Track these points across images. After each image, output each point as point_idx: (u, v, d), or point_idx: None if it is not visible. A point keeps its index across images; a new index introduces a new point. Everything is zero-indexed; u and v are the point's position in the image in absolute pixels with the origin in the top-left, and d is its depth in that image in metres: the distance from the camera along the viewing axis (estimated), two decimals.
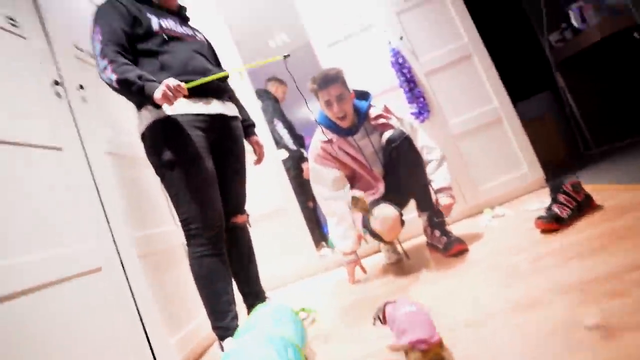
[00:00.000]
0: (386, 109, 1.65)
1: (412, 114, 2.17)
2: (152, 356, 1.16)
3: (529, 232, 1.36)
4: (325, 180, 1.63)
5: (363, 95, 1.69)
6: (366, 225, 1.55)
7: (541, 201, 1.73)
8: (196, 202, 1.13)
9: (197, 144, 1.17)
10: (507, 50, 2.87)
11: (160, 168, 1.18)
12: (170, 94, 1.03)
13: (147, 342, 1.16)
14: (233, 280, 1.38)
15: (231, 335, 1.07)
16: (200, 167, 1.16)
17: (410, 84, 2.17)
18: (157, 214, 1.52)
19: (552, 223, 1.27)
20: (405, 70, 2.17)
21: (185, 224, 1.15)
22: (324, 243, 2.86)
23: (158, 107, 1.13)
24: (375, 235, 1.54)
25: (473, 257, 1.35)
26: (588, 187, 1.41)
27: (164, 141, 1.15)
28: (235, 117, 1.39)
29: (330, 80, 1.53)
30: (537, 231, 1.32)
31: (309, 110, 1.48)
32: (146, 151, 1.22)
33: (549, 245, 1.16)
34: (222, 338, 1.09)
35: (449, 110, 2.18)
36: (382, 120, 1.60)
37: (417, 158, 1.54)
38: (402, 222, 1.49)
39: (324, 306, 1.46)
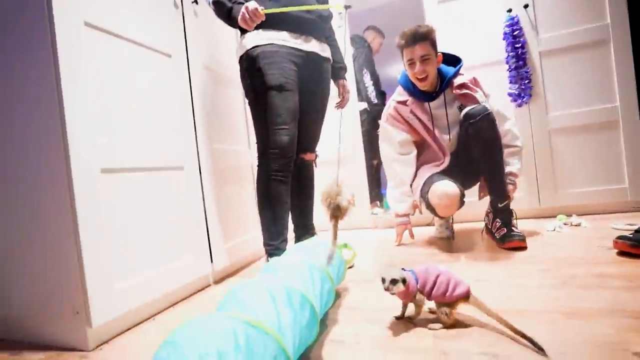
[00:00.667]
0: (474, 81, 1.53)
1: (509, 94, 1.97)
2: (209, 253, 1.34)
3: (603, 250, 1.25)
4: (392, 140, 1.62)
5: (453, 61, 1.57)
6: (424, 195, 1.54)
7: (631, 224, 1.54)
8: (275, 129, 1.21)
9: (289, 76, 1.23)
10: None
11: (250, 92, 1.27)
12: (247, 16, 1.12)
13: (207, 240, 1.34)
14: (290, 211, 1.51)
15: (279, 254, 1.20)
16: (286, 98, 1.22)
17: (519, 62, 1.94)
18: (234, 133, 1.65)
19: (636, 248, 1.14)
20: (518, 45, 1.93)
21: (261, 146, 1.25)
22: (378, 202, 2.89)
23: (246, 31, 1.22)
24: (430, 208, 1.53)
25: (529, 254, 1.29)
26: None
27: (259, 67, 1.22)
28: (327, 59, 1.41)
29: (418, 38, 1.44)
30: (613, 252, 1.21)
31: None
32: (241, 74, 1.31)
33: (622, 267, 1.06)
34: (271, 255, 1.23)
35: (555, 100, 1.93)
36: (465, 91, 1.50)
37: (495, 139, 1.42)
38: (462, 202, 1.44)
39: (365, 257, 1.53)
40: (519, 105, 1.96)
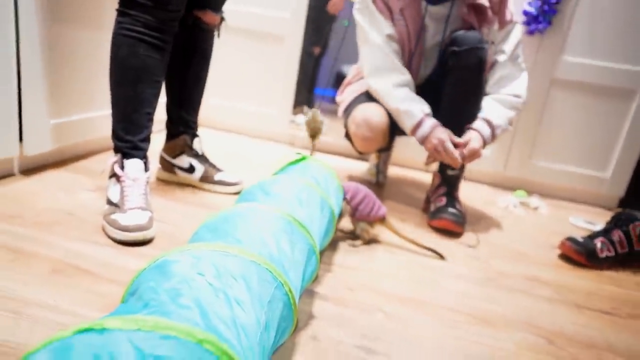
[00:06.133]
0: (502, 0, 1.50)
1: (525, 12, 2.02)
2: (18, 129, 1.24)
3: (548, 248, 1.48)
4: (380, 28, 1.54)
5: None
6: (347, 114, 1.65)
7: (592, 222, 1.83)
8: None
9: None
10: None
11: None
12: None
13: (17, 108, 1.22)
14: (166, 94, 1.43)
15: (138, 157, 1.16)
16: None
17: None
18: None
19: (580, 255, 1.37)
20: None
21: None
22: (305, 108, 2.91)
23: None
24: (348, 137, 1.67)
25: (459, 236, 1.46)
26: None
27: None
28: None
29: None
30: (557, 253, 1.45)
31: None
32: None
33: (557, 274, 1.28)
34: (125, 155, 1.15)
35: (576, 40, 2.04)
36: (472, 19, 1.48)
37: (476, 83, 1.49)
38: (390, 140, 1.65)
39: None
40: (531, 32, 2.04)
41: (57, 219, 1.08)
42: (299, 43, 2.25)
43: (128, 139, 1.16)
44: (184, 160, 1.45)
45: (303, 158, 1.13)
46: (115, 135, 1.17)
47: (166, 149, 1.46)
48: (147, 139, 1.20)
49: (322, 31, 2.85)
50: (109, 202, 1.10)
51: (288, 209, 0.80)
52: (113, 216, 1.05)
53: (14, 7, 1.16)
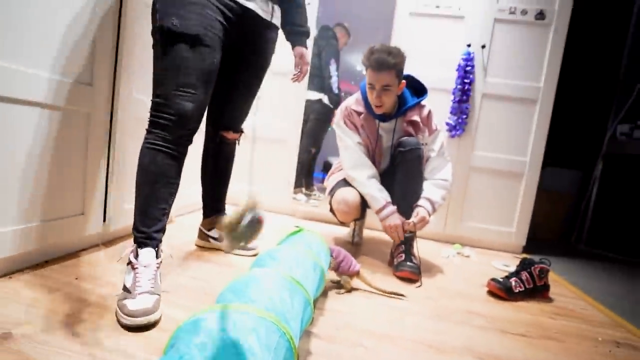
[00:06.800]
0: (428, 117, 1.57)
1: (447, 124, 2.11)
2: (103, 213, 1.23)
3: (479, 287, 1.43)
4: (353, 139, 1.59)
5: (418, 91, 1.58)
6: (331, 195, 1.66)
7: (507, 264, 1.79)
8: (177, 91, 0.96)
9: (211, 28, 0.99)
10: (566, 111, 2.74)
11: (156, 32, 0.98)
12: None
13: (104, 196, 1.22)
14: (201, 187, 1.42)
15: (152, 246, 0.98)
16: (201, 55, 0.97)
17: (463, 96, 2.08)
18: None
19: (502, 291, 1.33)
20: (467, 80, 2.06)
21: (155, 106, 0.97)
22: (302, 189, 2.93)
23: None
24: (331, 211, 1.68)
25: (417, 282, 1.41)
26: (556, 278, 1.41)
27: (174, 4, 0.95)
28: (273, 26, 1.20)
29: (384, 67, 1.40)
30: (486, 288, 1.39)
31: None
32: (152, 9, 1.02)
33: (486, 307, 1.23)
34: (140, 245, 0.98)
35: (483, 141, 2.12)
36: (410, 129, 1.55)
37: (417, 171, 1.52)
38: (363, 213, 1.66)
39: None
40: (452, 136, 2.11)
41: None
42: (296, 144, 2.28)
43: (144, 230, 0.99)
44: (215, 232, 1.42)
45: (300, 230, 1.11)
46: (135, 227, 1.00)
47: (203, 224, 1.43)
48: (161, 230, 1.02)
49: (318, 137, 2.94)
50: (124, 288, 0.90)
51: (289, 271, 0.77)
52: (124, 301, 0.84)
53: (109, 131, 1.20)
